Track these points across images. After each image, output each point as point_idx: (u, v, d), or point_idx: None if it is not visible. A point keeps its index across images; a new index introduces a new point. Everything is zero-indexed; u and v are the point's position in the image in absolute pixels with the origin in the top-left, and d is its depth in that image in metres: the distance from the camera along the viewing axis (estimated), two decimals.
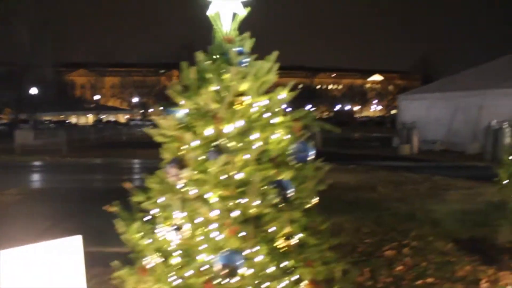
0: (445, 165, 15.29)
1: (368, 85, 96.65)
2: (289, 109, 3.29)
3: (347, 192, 10.27)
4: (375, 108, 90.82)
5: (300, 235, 3.10)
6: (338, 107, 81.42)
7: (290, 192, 2.84)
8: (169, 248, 2.96)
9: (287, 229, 2.88)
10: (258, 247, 2.84)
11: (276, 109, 3.04)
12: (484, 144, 16.10)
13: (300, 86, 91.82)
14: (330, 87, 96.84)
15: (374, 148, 23.18)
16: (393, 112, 29.56)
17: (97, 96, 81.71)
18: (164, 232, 2.84)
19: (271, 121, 2.95)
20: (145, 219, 3.12)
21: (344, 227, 7.09)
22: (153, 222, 3.06)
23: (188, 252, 2.90)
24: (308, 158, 2.99)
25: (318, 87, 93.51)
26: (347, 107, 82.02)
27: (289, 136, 3.02)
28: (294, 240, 2.87)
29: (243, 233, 2.77)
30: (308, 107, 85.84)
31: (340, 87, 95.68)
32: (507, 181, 5.57)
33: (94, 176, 15.09)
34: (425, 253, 5.71)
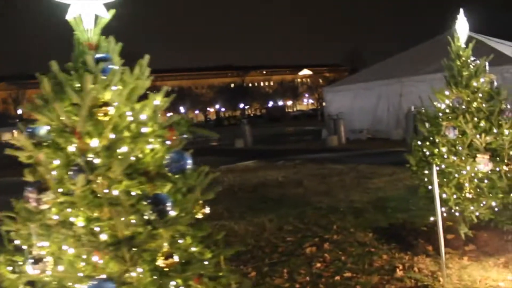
0: (370, 153, 15.61)
1: (298, 80, 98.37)
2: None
3: (273, 189, 10.18)
4: (307, 102, 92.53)
5: (191, 249, 2.91)
6: (270, 103, 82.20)
7: (168, 207, 2.60)
8: (46, 279, 2.65)
9: (166, 247, 2.64)
10: (140, 269, 2.60)
11: (148, 117, 2.77)
12: (406, 130, 16.63)
13: (232, 85, 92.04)
14: (261, 84, 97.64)
15: (304, 141, 23.41)
16: (324, 104, 30.14)
17: (20, 110, 77.57)
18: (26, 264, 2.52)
19: (142, 131, 2.69)
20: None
21: (267, 227, 6.96)
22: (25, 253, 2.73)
23: (63, 283, 2.60)
24: (186, 167, 2.74)
25: (250, 85, 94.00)
26: (280, 103, 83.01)
27: (164, 145, 2.78)
28: (175, 258, 2.63)
29: (119, 256, 2.52)
30: (241, 105, 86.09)
31: (272, 83, 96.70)
32: (416, 167, 5.62)
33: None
34: (345, 246, 5.66)
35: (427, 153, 5.58)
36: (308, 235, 6.30)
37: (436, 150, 5.44)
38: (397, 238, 5.74)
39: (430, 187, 5.39)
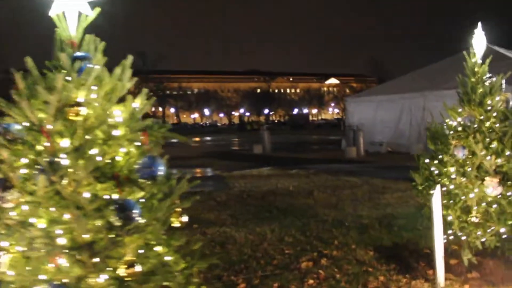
0: (387, 167, 15.26)
1: (324, 89, 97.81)
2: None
3: (282, 198, 10.00)
4: (332, 111, 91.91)
5: (165, 258, 2.78)
6: (295, 111, 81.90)
7: (134, 214, 2.47)
8: (8, 279, 2.57)
9: (130, 255, 2.52)
10: (105, 276, 2.49)
11: (124, 120, 2.66)
12: (427, 145, 16.21)
13: (258, 90, 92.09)
14: (287, 91, 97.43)
15: (323, 151, 23.15)
16: (346, 114, 29.69)
17: None
18: None
19: (113, 134, 2.57)
20: None
21: (267, 237, 6.80)
22: None
23: (22, 284, 2.51)
24: (157, 174, 2.61)
25: (276, 91, 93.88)
26: (305, 111, 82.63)
27: (137, 150, 2.66)
28: (138, 267, 2.50)
29: (80, 261, 2.41)
30: (266, 111, 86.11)
31: (298, 90, 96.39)
32: (422, 185, 5.38)
33: None
34: (342, 264, 5.45)
35: (436, 172, 5.33)
36: (307, 249, 6.11)
37: (444, 170, 5.19)
38: (398, 259, 5.51)
39: None
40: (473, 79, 5.25)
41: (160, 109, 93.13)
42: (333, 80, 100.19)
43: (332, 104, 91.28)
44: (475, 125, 5.08)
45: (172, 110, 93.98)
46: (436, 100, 16.99)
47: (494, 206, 4.93)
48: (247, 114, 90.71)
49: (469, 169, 5.01)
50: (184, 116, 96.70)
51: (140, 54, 77.70)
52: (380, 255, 5.75)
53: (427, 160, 5.43)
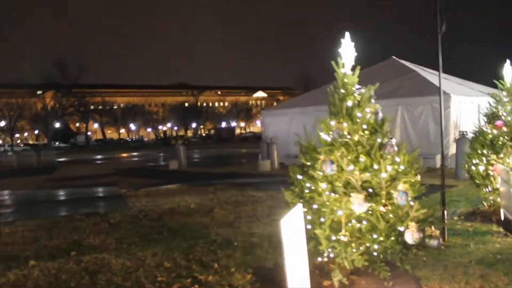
0: None
1: (252, 102, 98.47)
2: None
3: (179, 217, 9.50)
4: (260, 124, 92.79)
5: None
6: (223, 124, 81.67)
7: None
8: None
9: None
10: None
11: None
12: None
13: (186, 104, 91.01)
14: (216, 104, 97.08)
15: (240, 165, 22.85)
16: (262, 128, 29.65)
17: None
18: None
19: None
20: None
21: (146, 262, 6.27)
22: None
23: None
24: None
25: (204, 105, 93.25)
26: (232, 124, 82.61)
27: None
28: None
29: None
30: (194, 125, 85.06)
31: (226, 104, 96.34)
32: (293, 203, 5.09)
33: None
34: None
35: (307, 189, 5.05)
36: (182, 275, 5.66)
37: (315, 186, 4.92)
38: (273, 282, 5.18)
39: (309, 226, 4.89)
40: (342, 90, 5.06)
41: (84, 124, 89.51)
42: (260, 94, 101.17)
43: (261, 117, 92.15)
44: (343, 139, 4.86)
45: (96, 125, 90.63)
46: None
47: (364, 222, 4.72)
48: (175, 128, 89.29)
49: (339, 185, 4.77)
50: (110, 131, 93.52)
51: (60, 66, 74.55)
52: (257, 278, 5.40)
53: (299, 176, 5.15)
